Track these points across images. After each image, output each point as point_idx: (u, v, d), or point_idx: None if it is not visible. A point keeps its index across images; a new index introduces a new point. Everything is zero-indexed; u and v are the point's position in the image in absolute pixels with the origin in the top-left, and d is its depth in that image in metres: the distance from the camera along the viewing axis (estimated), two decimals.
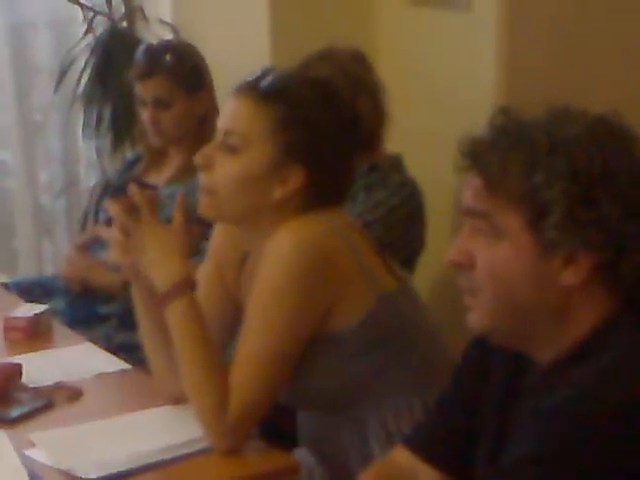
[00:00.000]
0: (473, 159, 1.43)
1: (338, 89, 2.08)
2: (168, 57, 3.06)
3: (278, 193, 1.98)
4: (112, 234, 2.02)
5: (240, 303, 2.10)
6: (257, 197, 1.99)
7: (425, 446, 1.66)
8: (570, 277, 1.39)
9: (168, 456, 1.94)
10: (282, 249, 1.93)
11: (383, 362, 2.02)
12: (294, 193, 1.98)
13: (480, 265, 1.43)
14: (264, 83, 1.99)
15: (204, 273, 2.20)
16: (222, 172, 1.98)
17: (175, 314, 1.95)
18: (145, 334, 2.12)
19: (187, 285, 1.95)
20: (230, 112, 2.02)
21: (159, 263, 1.96)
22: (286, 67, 2.10)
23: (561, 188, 1.36)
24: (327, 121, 2.00)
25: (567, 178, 1.36)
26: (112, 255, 2.03)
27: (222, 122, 2.03)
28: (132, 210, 2.00)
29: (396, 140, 2.84)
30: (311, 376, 2.02)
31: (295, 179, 1.98)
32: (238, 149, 1.97)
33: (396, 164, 2.76)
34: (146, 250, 1.97)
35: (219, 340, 2.13)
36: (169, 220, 2.98)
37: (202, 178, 2.01)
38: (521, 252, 1.40)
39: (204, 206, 2.03)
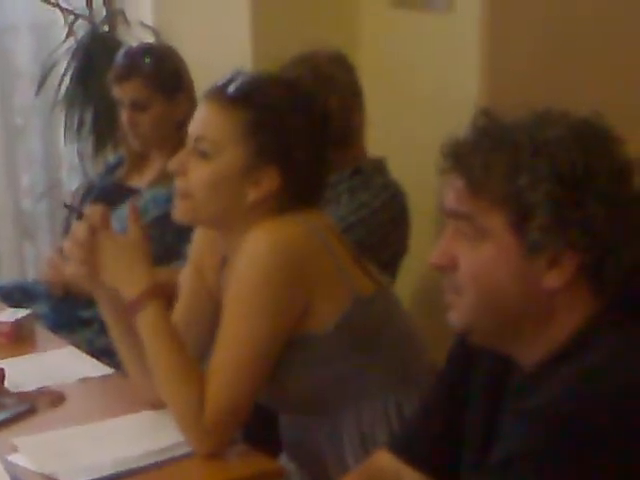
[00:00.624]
0: (455, 161, 1.43)
1: (307, 89, 2.09)
2: (147, 60, 3.07)
3: (252, 195, 1.98)
4: (69, 247, 2.02)
5: (221, 306, 2.10)
6: (231, 200, 1.99)
7: (409, 448, 1.66)
8: (554, 279, 1.39)
9: (151, 461, 1.93)
10: (256, 250, 1.93)
11: (359, 365, 2.02)
12: (268, 195, 1.99)
13: (463, 267, 1.43)
14: (231, 87, 1.99)
15: (186, 277, 2.20)
16: (196, 177, 1.99)
17: (146, 321, 1.96)
18: (118, 342, 2.12)
19: (154, 292, 1.95)
20: (200, 118, 2.02)
21: (124, 274, 1.97)
22: (259, 70, 2.10)
23: (545, 190, 1.36)
24: (297, 121, 2.00)
25: (551, 180, 1.36)
26: (70, 268, 2.04)
27: (192, 128, 2.03)
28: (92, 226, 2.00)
29: (379, 142, 2.84)
30: (287, 378, 2.01)
31: (268, 181, 1.98)
32: (209, 154, 1.98)
33: (379, 167, 2.76)
34: (109, 263, 1.97)
35: (202, 344, 2.13)
36: (154, 221, 3.00)
37: (177, 183, 2.02)
38: (504, 253, 1.40)
39: (180, 210, 2.04)
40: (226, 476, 1.93)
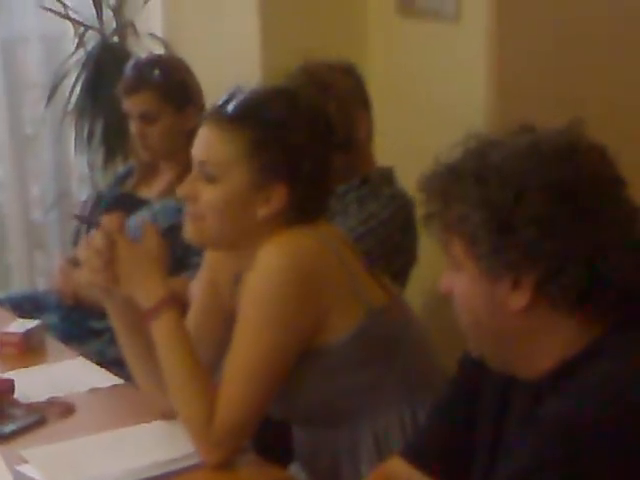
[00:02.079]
0: (425, 194, 1.47)
1: (307, 99, 2.06)
2: (156, 72, 3.07)
3: (262, 212, 1.98)
4: (83, 254, 2.02)
5: (234, 321, 2.10)
6: (242, 220, 1.99)
7: (421, 455, 1.66)
8: (517, 301, 1.42)
9: (161, 471, 1.93)
10: (269, 264, 1.93)
11: (373, 376, 2.02)
12: (278, 210, 1.98)
13: (454, 295, 1.48)
14: (229, 107, 1.98)
15: (199, 289, 2.20)
16: (205, 201, 1.98)
17: (161, 330, 1.96)
18: (127, 352, 2.12)
19: (171, 301, 1.96)
20: (201, 141, 2.01)
21: (141, 282, 1.97)
22: (263, 83, 2.09)
23: (478, 219, 1.40)
24: (300, 135, 1.98)
25: (482, 208, 1.40)
26: (83, 274, 2.03)
27: (195, 152, 2.01)
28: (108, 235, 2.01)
29: (387, 151, 2.84)
30: (301, 390, 2.02)
31: (277, 196, 1.98)
32: (216, 177, 1.97)
33: (387, 177, 2.76)
34: (126, 271, 1.97)
35: (213, 355, 2.13)
36: (164, 232, 2.99)
37: (187, 207, 2.02)
38: (473, 281, 1.44)
39: (191, 232, 2.04)
40: None
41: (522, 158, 1.41)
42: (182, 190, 2.01)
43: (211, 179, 1.97)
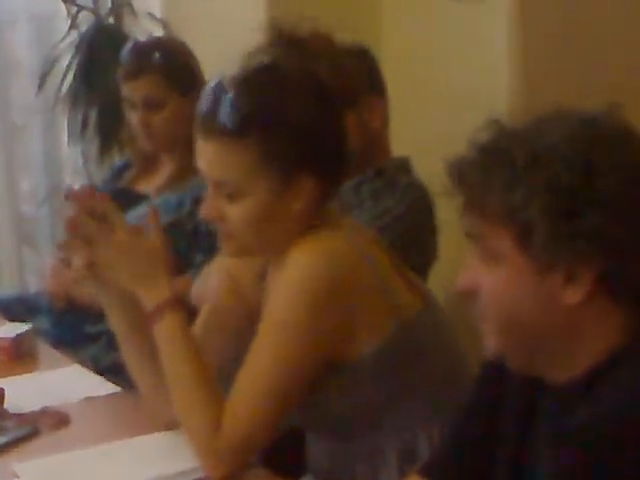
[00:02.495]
0: (457, 180, 1.44)
1: (293, 73, 2.00)
2: (158, 55, 3.06)
3: (297, 206, 1.98)
4: (69, 242, 2.03)
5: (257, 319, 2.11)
6: (279, 223, 1.99)
7: (440, 474, 1.66)
8: (572, 295, 1.40)
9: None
10: (303, 266, 1.93)
11: (400, 390, 2.02)
12: (313, 197, 1.98)
13: (484, 291, 1.45)
14: (225, 117, 1.93)
15: (219, 286, 2.21)
16: (235, 221, 1.97)
17: (164, 332, 1.97)
18: (128, 355, 2.14)
19: (176, 302, 1.97)
20: (210, 160, 1.98)
21: (144, 279, 1.98)
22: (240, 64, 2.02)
23: (541, 204, 1.37)
24: (302, 117, 1.95)
25: (546, 193, 1.37)
26: (74, 267, 2.06)
27: (206, 171, 1.99)
28: (99, 216, 2.01)
29: (404, 140, 2.85)
30: (327, 402, 2.02)
31: (306, 185, 1.97)
32: (238, 195, 1.96)
33: (403, 167, 2.76)
34: (126, 263, 1.98)
35: (231, 355, 2.14)
36: (164, 228, 3.00)
37: (218, 227, 2.01)
38: (518, 275, 1.42)
39: (228, 250, 2.06)
40: None
41: (582, 140, 1.40)
42: (205, 213, 2.00)
43: (232, 198, 1.96)
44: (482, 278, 1.45)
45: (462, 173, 1.44)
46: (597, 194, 1.37)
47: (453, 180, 1.45)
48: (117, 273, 2.00)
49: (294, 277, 1.93)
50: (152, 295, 1.97)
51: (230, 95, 1.93)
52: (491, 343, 1.48)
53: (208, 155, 1.97)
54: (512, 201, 1.38)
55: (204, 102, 1.98)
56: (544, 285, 1.40)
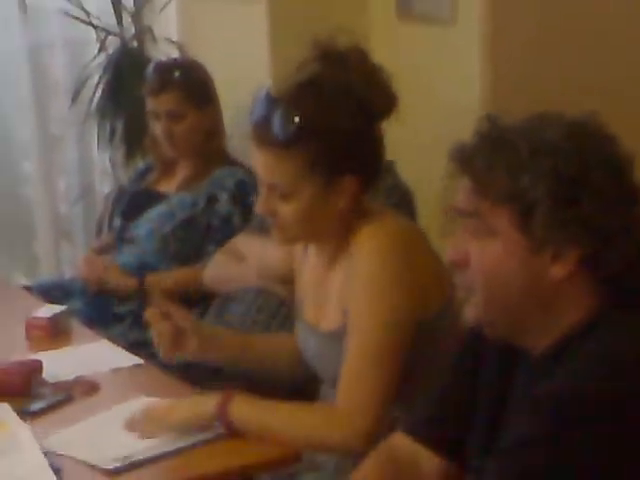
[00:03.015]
0: (462, 164, 1.43)
1: (330, 85, 1.97)
2: (177, 73, 3.08)
3: (342, 203, 1.97)
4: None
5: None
6: (325, 218, 1.99)
7: (425, 431, 1.65)
8: (558, 271, 1.39)
9: (177, 446, 1.92)
10: (372, 258, 1.92)
11: (420, 362, 1.97)
12: (355, 194, 1.97)
13: (474, 263, 1.43)
14: (278, 130, 1.92)
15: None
16: (286, 216, 1.97)
17: (240, 417, 1.90)
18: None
19: (227, 396, 1.91)
20: (263, 165, 1.97)
21: (191, 407, 1.96)
22: (283, 83, 2.02)
23: (545, 188, 1.36)
24: (343, 126, 1.94)
25: (550, 179, 1.36)
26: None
27: (261, 174, 1.99)
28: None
29: (390, 145, 2.83)
30: None
31: (349, 185, 1.96)
32: (289, 195, 1.95)
33: (389, 169, 2.75)
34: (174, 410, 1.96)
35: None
36: (181, 223, 2.99)
37: (270, 220, 2.01)
38: (511, 249, 1.40)
39: (280, 240, 2.06)
40: (247, 460, 1.91)
41: (576, 138, 1.39)
42: (260, 209, 2.00)
43: (285, 197, 1.96)
44: (473, 251, 1.42)
45: (467, 158, 1.42)
46: (591, 186, 1.36)
47: (458, 164, 1.43)
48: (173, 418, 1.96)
49: (371, 262, 1.92)
50: (207, 407, 1.92)
51: (280, 109, 1.92)
52: (474, 314, 1.46)
53: (262, 161, 1.97)
54: (519, 183, 1.37)
55: (256, 113, 1.96)
56: (534, 260, 1.39)
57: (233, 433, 1.91)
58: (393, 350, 1.91)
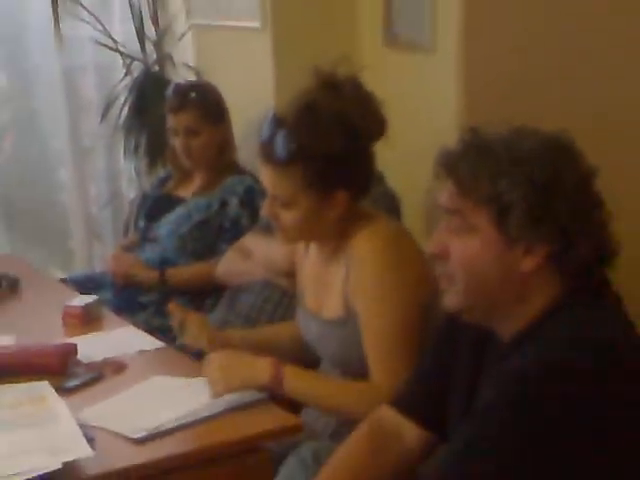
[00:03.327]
0: (448, 168, 1.43)
1: (326, 110, 1.97)
2: (194, 94, 3.07)
3: (333, 214, 1.98)
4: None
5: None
6: (318, 226, 2.00)
7: (407, 405, 1.65)
8: (528, 265, 1.39)
9: (193, 418, 1.92)
10: (372, 256, 1.94)
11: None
12: (345, 207, 1.98)
13: (454, 256, 1.42)
14: (279, 149, 1.93)
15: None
16: (286, 221, 1.99)
17: (294, 385, 1.94)
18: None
19: (278, 363, 1.94)
20: (266, 179, 2.00)
21: (249, 371, 1.97)
22: (288, 106, 1.99)
23: (520, 193, 1.36)
24: (343, 152, 1.95)
25: (525, 184, 1.36)
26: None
27: (266, 186, 2.01)
28: None
29: (379, 158, 2.83)
30: (352, 341, 1.99)
31: (341, 199, 1.98)
32: (288, 205, 1.97)
33: (379, 178, 2.75)
34: (234, 372, 1.97)
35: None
36: (197, 224, 2.99)
37: (276, 224, 2.03)
38: (488, 244, 1.39)
39: (282, 240, 2.08)
40: (255, 429, 1.91)
41: (550, 149, 1.40)
42: (265, 213, 2.02)
43: (285, 206, 1.98)
44: (452, 245, 1.42)
45: (452, 163, 1.42)
46: (561, 192, 1.37)
47: (444, 168, 1.43)
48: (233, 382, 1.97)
49: (373, 262, 1.94)
50: (264, 374, 1.94)
51: (282, 132, 1.93)
52: (452, 301, 1.45)
53: (266, 175, 1.99)
54: (497, 187, 1.37)
55: (263, 134, 1.97)
56: (507, 254, 1.39)
57: (277, 397, 1.95)
58: (410, 328, 1.92)
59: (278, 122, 1.95)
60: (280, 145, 1.93)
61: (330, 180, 1.95)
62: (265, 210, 2.02)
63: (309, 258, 2.14)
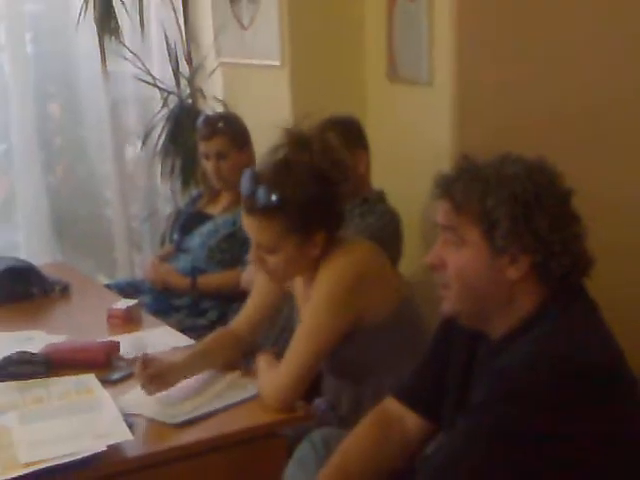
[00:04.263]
0: (443, 189, 1.43)
1: (299, 165, 1.95)
2: (221, 123, 3.07)
3: (314, 252, 1.98)
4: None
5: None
6: (302, 262, 1.99)
7: (409, 397, 1.65)
8: (513, 273, 1.39)
9: (220, 405, 1.94)
10: (336, 268, 1.95)
11: (394, 349, 2.00)
12: (324, 244, 1.98)
13: (450, 266, 1.42)
14: (259, 201, 1.91)
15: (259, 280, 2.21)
16: (271, 265, 1.98)
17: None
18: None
19: None
20: (249, 228, 1.97)
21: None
22: (275, 158, 1.98)
23: (506, 210, 1.36)
24: (310, 198, 1.92)
25: (510, 203, 1.36)
26: None
27: (249, 235, 1.99)
28: None
29: (382, 180, 2.85)
30: (349, 354, 2.02)
31: (319, 239, 1.97)
32: (273, 250, 1.96)
33: (380, 197, 2.77)
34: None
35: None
36: (224, 238, 2.99)
37: (263, 268, 2.02)
38: (479, 255, 1.39)
39: (272, 281, 2.09)
40: (273, 417, 1.93)
41: (532, 172, 1.40)
42: (251, 258, 2.01)
43: (270, 252, 1.97)
44: (447, 256, 1.43)
45: (447, 185, 1.42)
46: (541, 210, 1.37)
47: (440, 189, 1.43)
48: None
49: (334, 271, 1.94)
50: None
51: (262, 187, 1.92)
52: (449, 306, 1.45)
53: (250, 225, 1.97)
54: (486, 206, 1.37)
55: (244, 188, 1.96)
56: (495, 264, 1.39)
57: None
58: (323, 341, 1.94)
59: (257, 178, 1.93)
60: (261, 199, 1.91)
61: (308, 225, 1.93)
62: (251, 256, 2.00)
63: (298, 281, 2.13)
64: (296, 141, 1.98)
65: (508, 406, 1.27)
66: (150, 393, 1.96)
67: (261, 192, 1.91)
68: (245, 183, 1.95)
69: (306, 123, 2.02)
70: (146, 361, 1.97)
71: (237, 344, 2.19)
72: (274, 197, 1.90)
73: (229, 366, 2.12)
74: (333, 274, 1.95)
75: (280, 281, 2.09)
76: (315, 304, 1.95)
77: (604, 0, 2.90)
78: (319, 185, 1.94)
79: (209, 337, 2.21)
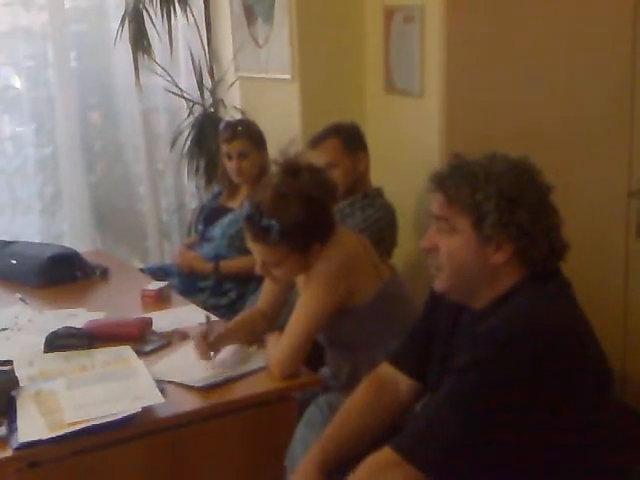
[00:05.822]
0: (437, 183, 1.43)
1: (292, 192, 1.94)
2: (240, 127, 3.08)
3: (312, 258, 1.98)
4: None
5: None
6: (304, 268, 2.01)
7: (401, 360, 1.65)
8: (498, 258, 1.39)
9: (240, 372, 1.94)
10: (328, 257, 1.96)
11: (385, 321, 2.01)
12: (320, 249, 1.98)
13: (442, 251, 1.43)
14: (258, 233, 1.93)
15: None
16: (278, 275, 2.01)
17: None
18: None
19: None
20: (254, 251, 1.98)
21: None
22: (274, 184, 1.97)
23: (493, 203, 1.36)
24: (310, 216, 1.93)
25: (497, 197, 1.36)
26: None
27: (255, 255, 2.00)
28: None
29: (380, 177, 2.84)
30: (341, 330, 2.03)
31: (317, 249, 1.98)
32: (278, 265, 1.98)
33: (379, 193, 2.76)
34: None
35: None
36: (243, 227, 2.98)
37: (270, 277, 2.04)
38: (468, 243, 1.39)
39: (280, 283, 2.11)
40: (283, 383, 1.93)
41: (517, 169, 1.39)
42: (258, 271, 2.02)
43: (275, 266, 1.99)
44: (440, 242, 1.43)
45: (441, 180, 1.42)
46: (524, 203, 1.36)
47: (435, 183, 1.43)
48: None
49: (321, 269, 1.95)
50: None
51: (263, 219, 1.92)
52: (440, 284, 1.45)
53: (254, 248, 1.98)
54: (475, 199, 1.37)
55: (248, 218, 1.96)
56: (482, 250, 1.39)
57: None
58: (314, 325, 1.95)
59: (258, 210, 1.94)
60: (264, 230, 1.92)
61: (306, 241, 1.95)
62: (258, 269, 2.02)
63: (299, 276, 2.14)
64: (288, 170, 1.98)
65: (490, 362, 1.27)
66: (206, 358, 1.99)
67: (263, 224, 1.92)
68: (248, 213, 1.97)
69: (293, 149, 2.03)
70: (205, 332, 2.01)
71: (264, 320, 2.21)
72: (275, 229, 1.91)
73: (258, 337, 2.13)
74: (327, 260, 1.96)
75: (285, 283, 2.13)
76: (311, 285, 1.97)
77: (583, 27, 2.87)
78: (312, 209, 1.94)
79: (244, 314, 2.24)
